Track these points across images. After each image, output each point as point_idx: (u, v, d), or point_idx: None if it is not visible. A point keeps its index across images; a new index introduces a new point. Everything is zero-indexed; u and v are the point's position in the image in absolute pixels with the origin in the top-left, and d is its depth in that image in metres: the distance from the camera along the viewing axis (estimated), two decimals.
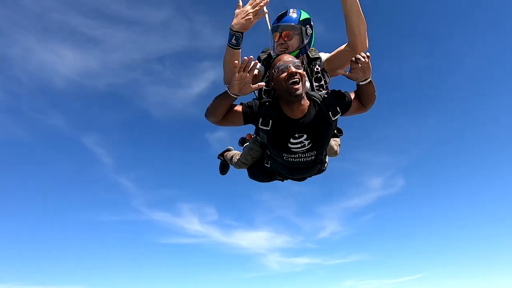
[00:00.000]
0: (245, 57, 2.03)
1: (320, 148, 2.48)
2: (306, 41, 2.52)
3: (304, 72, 2.22)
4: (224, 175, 3.76)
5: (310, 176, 2.78)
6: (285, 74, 2.13)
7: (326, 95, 2.30)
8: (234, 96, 2.14)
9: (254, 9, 2.14)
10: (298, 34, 2.46)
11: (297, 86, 2.10)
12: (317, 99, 2.29)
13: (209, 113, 2.29)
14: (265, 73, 2.58)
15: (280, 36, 2.43)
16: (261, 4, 2.14)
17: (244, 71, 2.04)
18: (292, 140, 2.33)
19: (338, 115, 2.35)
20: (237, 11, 2.19)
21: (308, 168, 2.62)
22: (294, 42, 2.45)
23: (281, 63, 2.17)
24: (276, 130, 2.31)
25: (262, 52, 2.82)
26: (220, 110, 2.24)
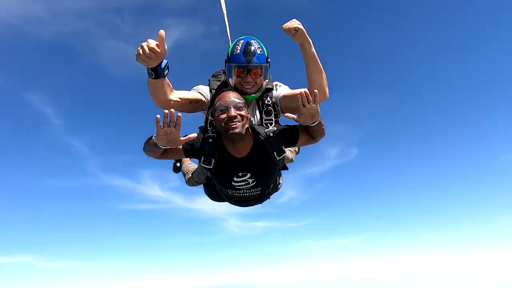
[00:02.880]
0: (166, 111, 1.83)
1: (265, 184, 2.49)
2: (268, 77, 2.48)
3: (247, 113, 2.19)
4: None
5: (261, 203, 2.73)
6: (224, 116, 2.09)
7: (272, 134, 2.25)
8: (163, 147, 2.05)
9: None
10: (264, 72, 2.38)
11: (235, 125, 2.06)
12: (262, 138, 2.24)
13: (147, 152, 2.24)
14: (211, 102, 2.42)
15: (247, 74, 2.31)
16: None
17: (169, 126, 1.88)
18: (235, 179, 2.33)
19: (284, 154, 2.35)
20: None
21: (255, 200, 2.62)
22: (261, 80, 2.38)
23: (222, 103, 2.12)
24: (219, 169, 2.29)
25: (213, 76, 2.73)
26: (155, 153, 2.19)
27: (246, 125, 2.15)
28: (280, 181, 2.79)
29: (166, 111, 1.84)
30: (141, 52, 1.81)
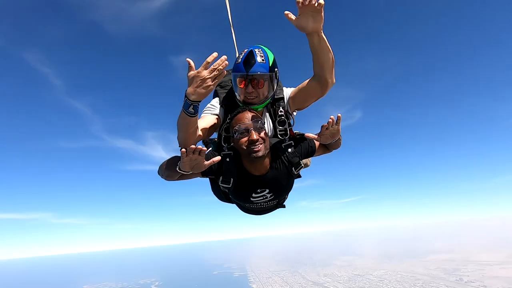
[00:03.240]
0: (193, 146, 1.92)
1: (281, 197, 2.51)
2: (275, 87, 2.32)
3: (267, 135, 2.14)
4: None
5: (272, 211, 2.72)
6: (246, 139, 2.06)
7: (290, 151, 2.25)
8: (186, 173, 2.03)
9: (212, 74, 1.95)
10: (267, 81, 2.24)
11: (257, 149, 2.05)
12: (280, 155, 2.25)
13: (164, 176, 2.18)
14: (225, 117, 2.36)
15: (249, 84, 2.19)
16: (220, 67, 1.95)
17: (193, 153, 1.94)
18: (254, 195, 2.34)
19: (301, 167, 2.33)
20: (190, 74, 1.97)
21: (269, 210, 2.61)
22: (264, 91, 2.25)
23: (241, 125, 2.06)
24: (238, 187, 2.27)
25: (219, 86, 2.54)
26: (174, 177, 2.15)
27: (268, 146, 2.18)
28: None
29: (193, 146, 1.94)
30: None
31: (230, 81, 2.52)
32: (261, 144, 2.10)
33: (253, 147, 2.07)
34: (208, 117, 2.44)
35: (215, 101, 2.53)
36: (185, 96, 1.99)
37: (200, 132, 2.20)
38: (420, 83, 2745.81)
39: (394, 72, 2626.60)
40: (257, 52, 2.19)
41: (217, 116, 2.42)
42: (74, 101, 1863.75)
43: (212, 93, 2.26)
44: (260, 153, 2.09)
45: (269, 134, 2.49)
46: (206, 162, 1.98)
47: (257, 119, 2.13)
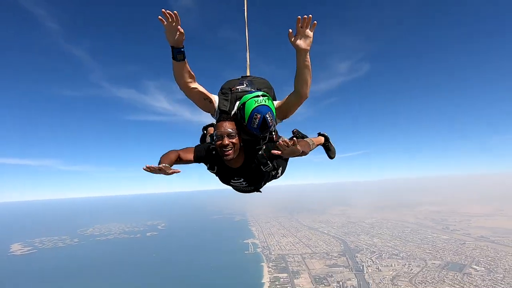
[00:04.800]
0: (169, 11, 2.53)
1: (257, 185, 3.24)
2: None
3: (238, 140, 2.85)
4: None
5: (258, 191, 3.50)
6: (220, 142, 2.79)
7: (260, 153, 2.96)
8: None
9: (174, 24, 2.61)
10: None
11: (228, 153, 2.80)
12: (253, 156, 2.98)
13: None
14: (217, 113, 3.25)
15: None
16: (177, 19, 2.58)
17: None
18: (232, 181, 3.17)
19: (269, 167, 3.02)
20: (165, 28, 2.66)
21: (250, 191, 3.40)
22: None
23: (218, 132, 2.81)
24: (220, 173, 3.14)
25: (222, 93, 3.27)
26: (171, 160, 2.89)
27: (237, 151, 2.87)
28: (279, 172, 3.29)
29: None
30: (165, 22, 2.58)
31: (229, 89, 3.24)
32: (230, 149, 2.80)
33: (224, 150, 2.80)
34: (208, 93, 3.25)
35: (216, 99, 3.28)
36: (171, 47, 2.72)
37: (196, 86, 3.06)
38: (438, 29, 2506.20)
39: (410, 21, 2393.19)
40: (269, 119, 2.76)
41: (214, 102, 3.24)
42: (73, 46, 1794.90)
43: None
44: (229, 157, 2.84)
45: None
46: (170, 171, 2.56)
47: (231, 128, 2.82)
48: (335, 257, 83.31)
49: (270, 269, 77.41)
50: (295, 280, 67.88)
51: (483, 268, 73.21)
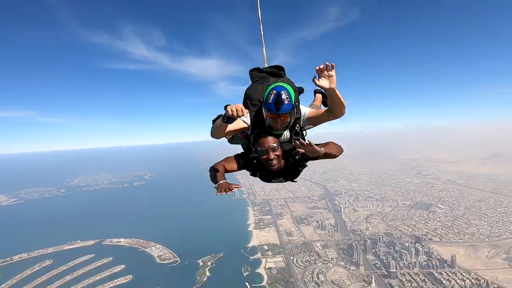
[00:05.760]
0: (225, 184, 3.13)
1: (292, 179, 3.66)
2: (295, 116, 3.32)
3: (281, 150, 3.27)
4: None
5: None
6: (265, 156, 3.19)
7: (297, 157, 3.35)
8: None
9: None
10: (291, 114, 3.19)
11: (273, 164, 3.22)
12: (291, 161, 3.41)
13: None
14: (253, 128, 3.44)
15: (277, 118, 3.13)
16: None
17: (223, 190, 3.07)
18: (272, 180, 3.60)
19: (305, 166, 3.50)
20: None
21: (285, 182, 3.81)
22: (287, 121, 3.22)
23: (262, 148, 3.18)
24: (262, 176, 3.58)
25: (250, 103, 3.55)
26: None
27: (281, 161, 3.31)
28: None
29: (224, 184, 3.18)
30: (235, 113, 2.90)
31: (258, 100, 3.48)
32: (275, 160, 3.22)
33: (270, 162, 3.22)
34: (239, 121, 3.42)
35: (247, 114, 3.46)
36: (225, 110, 2.97)
37: (227, 134, 3.46)
38: None
39: None
40: (283, 94, 3.01)
41: (245, 123, 3.42)
42: None
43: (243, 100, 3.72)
44: (275, 167, 3.28)
45: (286, 139, 3.50)
46: (234, 186, 3.16)
47: (274, 142, 3.21)
48: (316, 200, 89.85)
49: (255, 212, 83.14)
50: (278, 221, 73.66)
51: (447, 207, 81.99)
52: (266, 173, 3.50)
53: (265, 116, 3.23)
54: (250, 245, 63.85)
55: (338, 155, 3.43)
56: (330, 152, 3.26)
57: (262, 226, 72.05)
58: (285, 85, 3.10)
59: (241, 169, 3.52)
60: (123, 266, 60.55)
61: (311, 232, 65.74)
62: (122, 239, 75.28)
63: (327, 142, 3.40)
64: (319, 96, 4.73)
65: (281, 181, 3.67)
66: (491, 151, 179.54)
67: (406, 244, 58.00)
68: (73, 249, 71.12)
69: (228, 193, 3.05)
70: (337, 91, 3.02)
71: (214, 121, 3.73)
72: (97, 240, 75.03)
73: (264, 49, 4.28)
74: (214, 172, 3.37)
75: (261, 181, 3.79)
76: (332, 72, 2.95)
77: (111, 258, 64.24)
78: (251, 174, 3.59)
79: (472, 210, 76.90)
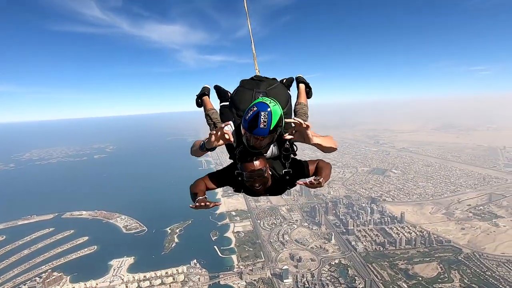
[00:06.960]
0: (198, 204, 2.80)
1: (279, 194, 3.56)
2: (275, 139, 3.01)
3: (269, 174, 3.11)
4: None
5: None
6: (249, 183, 3.04)
7: (287, 178, 3.23)
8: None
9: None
10: (267, 138, 2.86)
11: (258, 188, 3.07)
12: (278, 176, 3.25)
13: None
14: (237, 141, 3.19)
15: (251, 136, 2.85)
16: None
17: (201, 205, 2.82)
18: (259, 198, 4.94)
19: (295, 187, 3.51)
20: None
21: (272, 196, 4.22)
22: (264, 143, 2.91)
23: (247, 174, 2.98)
24: (247, 192, 3.35)
25: (237, 115, 3.45)
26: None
27: (269, 182, 3.16)
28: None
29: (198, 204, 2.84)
30: (217, 144, 2.97)
31: (244, 112, 3.05)
32: (261, 185, 3.07)
33: (255, 187, 3.07)
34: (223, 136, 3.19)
35: (231, 125, 3.27)
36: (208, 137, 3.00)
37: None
38: None
39: None
40: (262, 117, 2.67)
41: (231, 139, 3.10)
42: None
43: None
44: (260, 191, 3.16)
45: (273, 155, 3.28)
46: (211, 204, 2.83)
47: (261, 167, 2.98)
48: None
49: None
50: None
51: (399, 171, 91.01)
52: (251, 191, 3.26)
53: (243, 136, 2.97)
54: (218, 212, 65.18)
55: (329, 149, 3.26)
56: (322, 143, 3.15)
57: (230, 194, 73.30)
58: (271, 104, 2.70)
59: (221, 187, 3.38)
60: (86, 238, 59.05)
61: (277, 197, 68.56)
62: (84, 212, 72.46)
63: (321, 168, 3.27)
64: (302, 86, 4.21)
65: (267, 196, 3.75)
66: (442, 122, 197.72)
67: (363, 205, 63.74)
68: (29, 224, 67.48)
69: (202, 208, 2.84)
70: (319, 140, 2.99)
71: (198, 96, 3.90)
72: (56, 214, 71.56)
73: (253, 46, 4.30)
74: (197, 187, 3.23)
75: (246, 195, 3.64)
76: (302, 129, 2.92)
77: (72, 231, 62.17)
78: (234, 191, 3.39)
79: (420, 173, 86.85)
